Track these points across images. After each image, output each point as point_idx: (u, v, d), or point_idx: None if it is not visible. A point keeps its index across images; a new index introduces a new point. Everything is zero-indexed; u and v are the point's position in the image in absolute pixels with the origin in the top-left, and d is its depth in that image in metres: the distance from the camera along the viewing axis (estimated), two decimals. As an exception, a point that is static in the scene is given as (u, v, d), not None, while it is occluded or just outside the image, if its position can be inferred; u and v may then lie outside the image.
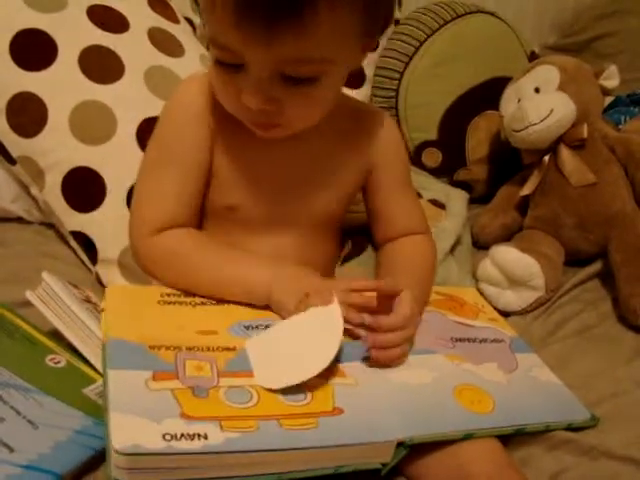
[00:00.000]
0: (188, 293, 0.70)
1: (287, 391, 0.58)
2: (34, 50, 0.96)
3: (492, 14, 1.33)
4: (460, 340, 0.75)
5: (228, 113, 0.70)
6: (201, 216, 0.78)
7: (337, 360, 0.62)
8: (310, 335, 0.63)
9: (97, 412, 0.62)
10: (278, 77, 0.62)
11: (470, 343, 0.75)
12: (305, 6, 0.56)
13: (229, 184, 0.75)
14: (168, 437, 0.50)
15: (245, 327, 0.66)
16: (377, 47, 0.70)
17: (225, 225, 0.77)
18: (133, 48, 1.01)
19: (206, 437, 0.51)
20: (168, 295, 0.70)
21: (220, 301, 0.70)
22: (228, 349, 0.62)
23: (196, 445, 0.50)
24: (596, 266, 1.03)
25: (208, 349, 0.62)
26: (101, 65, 0.98)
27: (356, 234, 0.90)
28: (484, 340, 0.77)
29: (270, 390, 0.58)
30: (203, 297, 0.70)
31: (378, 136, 0.80)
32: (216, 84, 0.68)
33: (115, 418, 0.51)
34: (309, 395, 0.59)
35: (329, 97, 0.68)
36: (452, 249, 0.98)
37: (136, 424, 0.51)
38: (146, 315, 0.66)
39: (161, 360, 0.59)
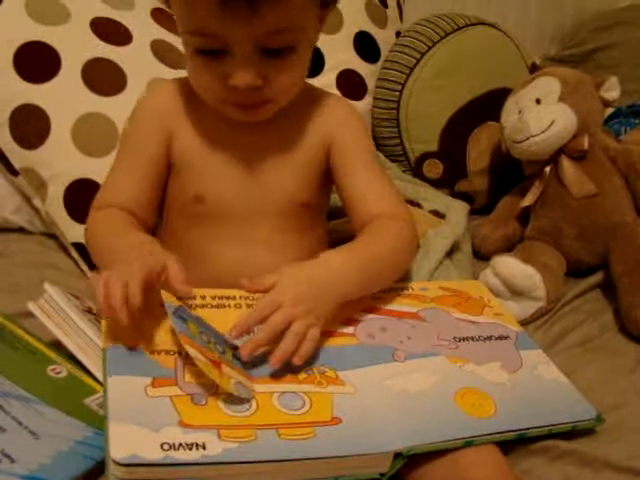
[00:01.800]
0: (187, 297, 0.68)
1: (285, 398, 0.58)
2: (38, 62, 0.97)
3: (493, 26, 1.34)
4: (463, 339, 0.74)
5: (192, 106, 0.77)
6: (165, 212, 0.82)
7: (335, 368, 0.63)
8: None
9: (98, 422, 0.62)
10: (260, 52, 0.66)
11: (474, 342, 0.74)
12: None
13: (194, 173, 0.78)
14: (166, 447, 0.50)
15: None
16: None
17: (194, 221, 0.79)
18: (136, 60, 1.02)
19: (204, 447, 0.51)
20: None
21: (221, 305, 0.69)
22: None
23: (194, 455, 0.50)
24: (597, 277, 1.03)
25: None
26: (104, 77, 0.99)
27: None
28: (488, 338, 0.76)
29: (267, 398, 0.58)
30: (203, 299, 0.69)
31: (332, 116, 0.81)
32: (198, 76, 0.72)
33: (114, 428, 0.52)
34: (307, 403, 0.59)
35: (305, 67, 0.73)
36: (451, 256, 0.98)
37: (134, 434, 0.51)
38: (146, 319, 0.64)
39: (161, 365, 0.59)
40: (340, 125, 0.81)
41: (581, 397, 0.71)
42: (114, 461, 0.49)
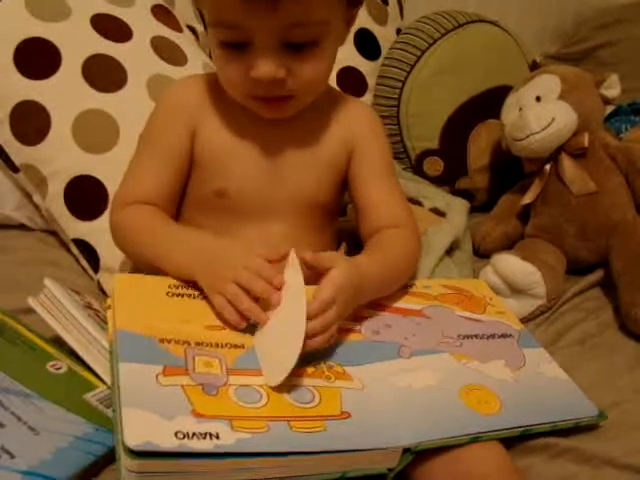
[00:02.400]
0: (196, 286, 0.69)
1: (295, 391, 0.58)
2: (38, 59, 0.97)
3: (494, 23, 1.34)
4: (467, 337, 0.74)
5: (216, 102, 0.77)
6: (182, 207, 0.81)
7: (340, 362, 0.63)
8: (286, 311, 0.62)
9: (98, 418, 0.62)
10: (283, 45, 0.67)
11: (478, 340, 0.75)
12: None
13: (217, 168, 0.78)
14: (180, 435, 0.50)
15: (252, 323, 0.65)
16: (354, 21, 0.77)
17: (214, 213, 0.79)
18: (136, 57, 1.02)
19: (218, 437, 0.51)
20: (176, 287, 0.68)
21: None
22: (236, 346, 0.62)
23: (208, 445, 0.50)
24: (597, 274, 1.03)
25: (217, 345, 0.61)
26: (104, 74, 0.99)
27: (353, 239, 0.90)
28: (492, 336, 0.76)
29: (276, 390, 0.58)
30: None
31: (357, 123, 0.83)
32: (223, 69, 0.73)
33: (127, 413, 0.51)
34: (317, 397, 0.59)
35: (329, 64, 0.73)
36: (451, 254, 0.98)
37: (148, 420, 0.51)
38: (155, 307, 0.65)
39: (171, 354, 0.58)
40: (365, 133, 0.82)
41: (582, 395, 0.71)
42: (128, 450, 0.48)
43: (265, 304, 0.64)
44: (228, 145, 0.78)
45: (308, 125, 0.80)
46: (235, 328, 0.63)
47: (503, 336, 0.77)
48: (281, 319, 0.62)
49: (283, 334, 0.61)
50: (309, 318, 0.60)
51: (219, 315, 0.64)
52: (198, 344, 0.61)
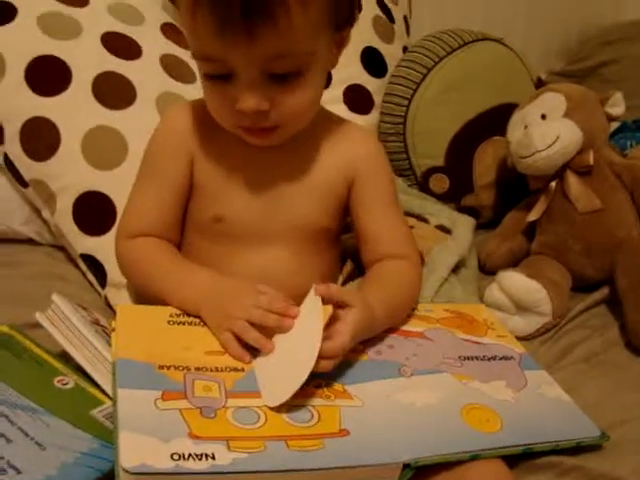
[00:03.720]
0: None
1: (293, 411, 0.59)
2: (49, 76, 0.98)
3: (499, 41, 1.35)
4: (468, 358, 0.74)
5: (211, 128, 0.76)
6: (184, 230, 0.82)
7: (343, 382, 0.63)
8: (298, 338, 0.64)
9: (104, 434, 0.62)
10: (266, 77, 0.66)
11: (478, 361, 0.75)
12: (275, 3, 0.61)
13: (214, 194, 0.78)
14: (176, 457, 0.51)
15: (253, 347, 0.66)
16: (346, 43, 0.76)
17: (213, 239, 0.79)
18: (145, 74, 1.03)
19: (213, 457, 0.52)
20: (177, 315, 0.70)
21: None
22: (236, 370, 0.63)
23: (204, 465, 0.51)
24: (603, 292, 1.03)
25: (216, 369, 0.62)
26: (114, 91, 1.00)
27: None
28: (493, 357, 0.77)
29: (276, 410, 0.58)
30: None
31: (358, 150, 0.82)
32: (209, 99, 0.73)
33: (124, 437, 0.52)
34: (316, 416, 0.59)
35: (315, 93, 0.73)
36: (457, 272, 0.98)
37: (145, 443, 0.52)
38: (156, 335, 0.66)
39: (170, 380, 0.59)
40: (366, 161, 0.82)
41: (584, 416, 0.71)
42: (124, 470, 0.49)
43: (271, 332, 0.65)
44: (223, 172, 0.78)
45: (303, 151, 0.79)
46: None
47: (504, 358, 0.77)
48: (290, 346, 0.63)
49: (290, 359, 0.62)
50: (322, 357, 0.61)
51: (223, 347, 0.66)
52: (198, 369, 0.62)
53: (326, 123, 0.81)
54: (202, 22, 0.63)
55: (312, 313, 0.63)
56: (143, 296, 0.79)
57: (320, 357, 0.60)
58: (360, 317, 0.67)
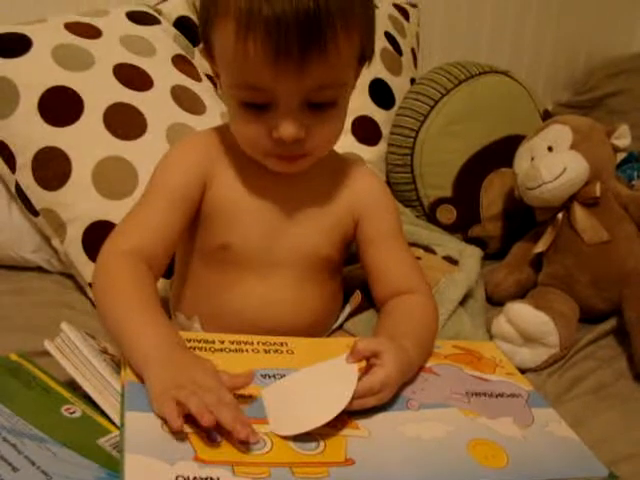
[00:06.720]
0: (207, 340, 0.70)
1: (300, 439, 0.58)
2: (61, 106, 1.00)
3: (505, 73, 1.36)
4: (476, 394, 0.74)
5: (223, 158, 0.77)
6: (186, 257, 0.81)
7: (350, 413, 0.63)
8: (324, 385, 0.64)
9: (111, 463, 0.62)
10: (305, 106, 0.68)
11: (486, 398, 0.74)
12: (329, 37, 0.63)
13: (224, 222, 0.78)
14: (181, 479, 0.51)
15: (262, 376, 0.66)
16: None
17: (219, 266, 0.79)
18: (156, 105, 1.05)
19: None
20: (188, 340, 0.70)
21: (239, 349, 0.71)
22: (244, 397, 0.63)
23: None
24: (610, 323, 1.02)
25: None
26: (125, 122, 1.01)
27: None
28: (500, 395, 0.76)
29: (283, 437, 0.58)
30: (222, 343, 0.71)
31: (359, 187, 0.83)
32: (241, 126, 0.72)
33: (130, 459, 0.52)
34: (322, 444, 0.59)
35: (343, 120, 0.74)
36: (464, 303, 0.98)
37: (150, 465, 0.51)
38: None
39: None
40: (371, 201, 0.83)
41: (592, 455, 0.70)
42: None
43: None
44: (235, 200, 0.78)
45: (314, 182, 0.80)
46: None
47: (512, 395, 0.77)
48: (313, 384, 0.64)
49: (314, 397, 0.63)
50: (361, 396, 0.63)
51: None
52: None
53: (335, 159, 0.83)
54: (253, 51, 0.63)
55: (347, 375, 0.64)
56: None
57: (361, 395, 0.62)
58: (395, 358, 0.66)
